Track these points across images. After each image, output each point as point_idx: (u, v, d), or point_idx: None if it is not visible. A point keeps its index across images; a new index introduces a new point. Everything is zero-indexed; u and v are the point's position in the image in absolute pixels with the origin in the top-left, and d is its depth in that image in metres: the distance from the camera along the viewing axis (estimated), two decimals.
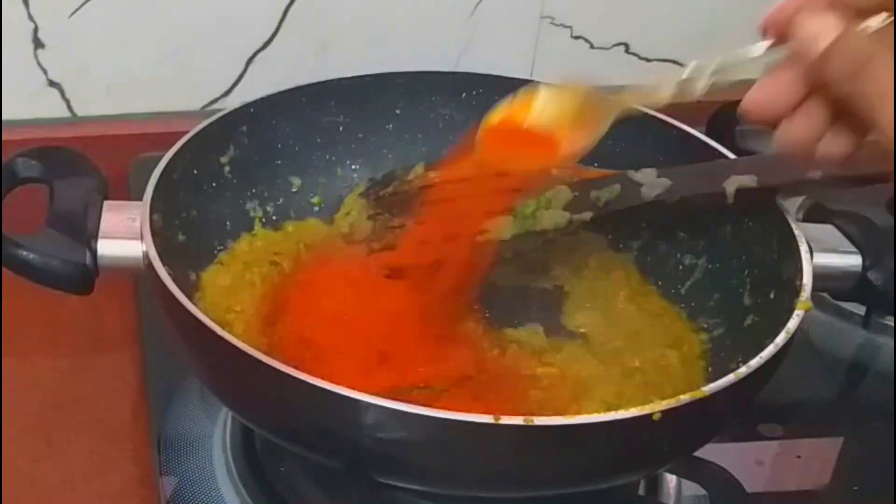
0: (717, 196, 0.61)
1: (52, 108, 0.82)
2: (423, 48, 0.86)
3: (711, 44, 0.91)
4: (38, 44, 0.79)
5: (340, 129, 0.72)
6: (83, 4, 0.79)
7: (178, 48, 0.82)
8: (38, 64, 0.80)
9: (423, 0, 0.84)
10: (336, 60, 0.84)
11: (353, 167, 0.72)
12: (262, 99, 0.68)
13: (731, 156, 0.65)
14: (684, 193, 0.62)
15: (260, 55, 0.84)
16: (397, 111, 0.72)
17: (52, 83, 0.81)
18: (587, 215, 0.64)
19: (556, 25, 0.88)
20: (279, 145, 0.70)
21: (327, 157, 0.72)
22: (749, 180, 0.61)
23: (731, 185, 0.61)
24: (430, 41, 0.86)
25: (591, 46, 0.90)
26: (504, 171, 0.67)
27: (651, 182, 0.63)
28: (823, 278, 0.60)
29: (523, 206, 0.65)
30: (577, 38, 0.89)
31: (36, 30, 0.79)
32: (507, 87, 0.72)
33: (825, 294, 0.67)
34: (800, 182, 0.60)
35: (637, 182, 0.63)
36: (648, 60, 0.91)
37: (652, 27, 0.90)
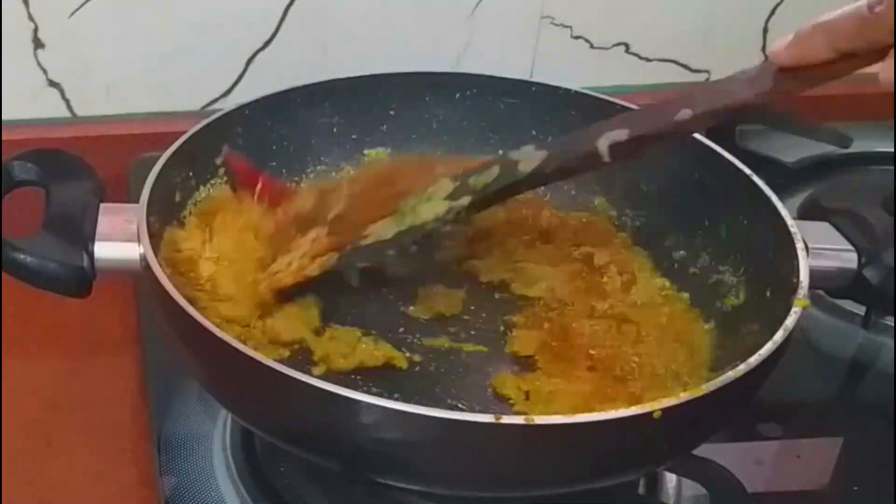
0: (593, 157, 0.60)
1: (52, 108, 0.82)
2: (423, 48, 0.86)
3: (711, 44, 0.92)
4: (38, 44, 0.80)
5: (335, 130, 0.72)
6: (83, 4, 0.79)
7: (178, 48, 0.82)
8: (38, 64, 0.80)
9: (423, 0, 0.84)
10: (336, 61, 0.84)
11: (348, 169, 0.72)
12: (257, 100, 0.68)
13: (732, 159, 0.65)
14: (560, 160, 0.61)
15: (260, 55, 0.84)
16: (391, 112, 0.72)
17: (52, 83, 0.81)
18: (465, 200, 0.62)
19: (556, 25, 0.88)
20: (274, 147, 0.70)
21: (322, 158, 0.72)
22: (620, 134, 0.59)
23: (604, 141, 0.59)
24: (430, 41, 0.86)
25: (591, 46, 0.90)
26: (389, 180, 0.66)
27: (528, 156, 0.62)
28: (820, 276, 0.60)
29: (404, 204, 0.64)
30: (577, 38, 0.89)
31: (36, 30, 0.79)
32: (501, 86, 0.72)
33: (823, 293, 0.67)
34: (674, 128, 0.58)
35: (515, 160, 0.62)
36: (648, 60, 0.91)
37: (652, 27, 0.90)
